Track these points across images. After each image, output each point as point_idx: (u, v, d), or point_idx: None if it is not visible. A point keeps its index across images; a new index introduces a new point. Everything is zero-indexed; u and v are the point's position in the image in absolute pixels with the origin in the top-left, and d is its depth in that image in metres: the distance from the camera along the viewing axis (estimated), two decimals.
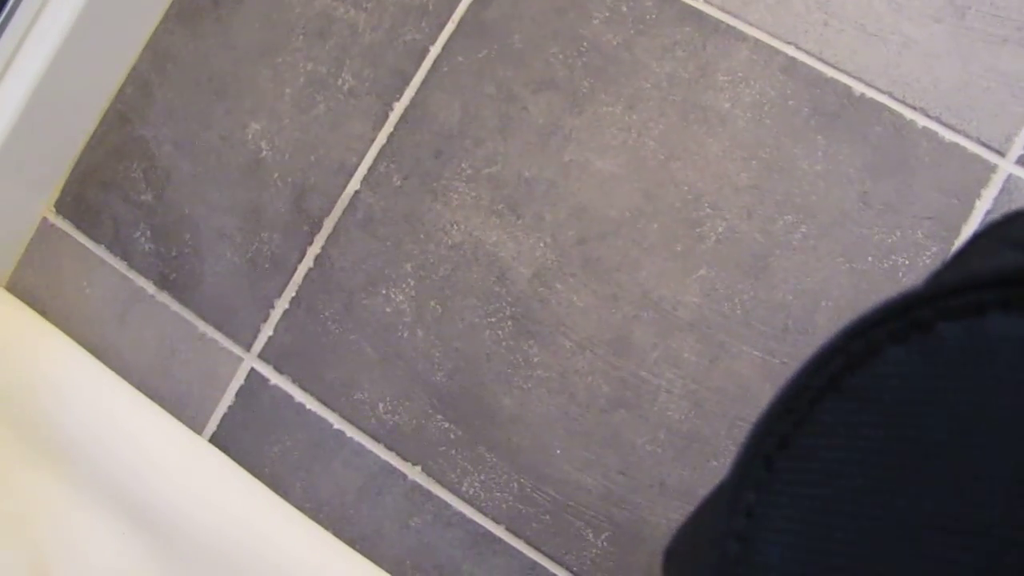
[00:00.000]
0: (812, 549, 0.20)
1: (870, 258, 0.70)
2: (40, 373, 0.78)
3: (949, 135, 0.70)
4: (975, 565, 0.17)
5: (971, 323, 0.19)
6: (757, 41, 0.72)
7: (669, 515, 0.70)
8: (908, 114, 0.70)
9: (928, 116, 0.70)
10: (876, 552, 0.19)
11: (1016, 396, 0.18)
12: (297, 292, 0.77)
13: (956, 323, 0.19)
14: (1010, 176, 0.69)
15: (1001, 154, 0.69)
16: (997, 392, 0.18)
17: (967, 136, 0.70)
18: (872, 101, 0.71)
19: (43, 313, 0.82)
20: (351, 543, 0.74)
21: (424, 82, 0.77)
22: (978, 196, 0.69)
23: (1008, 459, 0.18)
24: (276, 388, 0.77)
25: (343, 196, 0.77)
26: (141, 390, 0.79)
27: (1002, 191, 0.69)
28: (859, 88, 0.71)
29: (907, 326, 0.20)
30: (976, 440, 0.18)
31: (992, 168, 0.69)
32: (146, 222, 0.81)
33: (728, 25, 0.73)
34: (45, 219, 0.84)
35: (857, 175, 0.71)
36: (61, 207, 0.84)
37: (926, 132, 0.70)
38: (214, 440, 0.78)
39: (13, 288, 0.84)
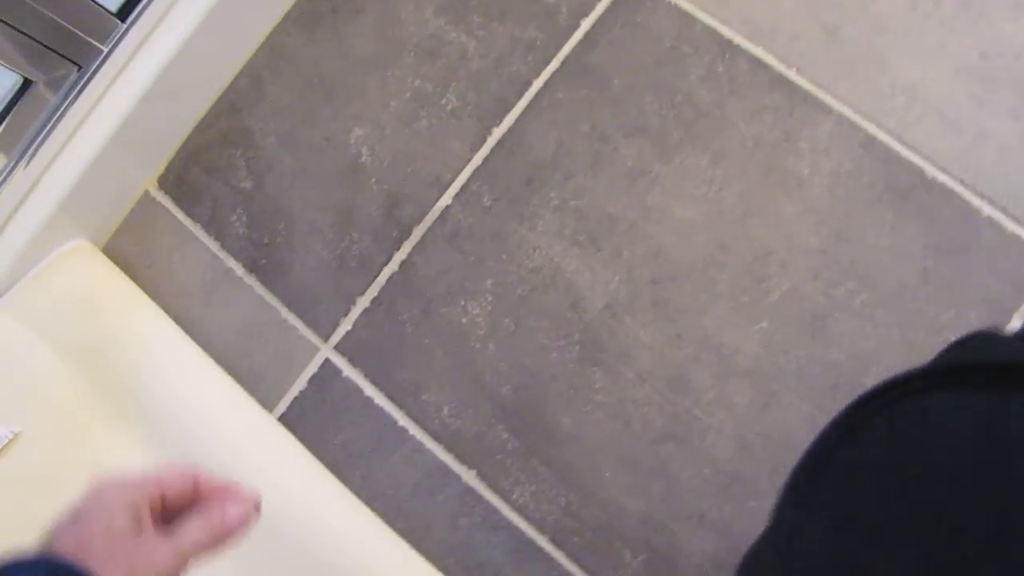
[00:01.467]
0: (835, 547, 0.29)
1: (923, 332, 0.74)
2: (129, 334, 0.83)
3: (1012, 226, 0.74)
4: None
5: (922, 398, 0.30)
6: (841, 115, 0.77)
7: (704, 547, 0.75)
8: (975, 202, 0.75)
9: (994, 206, 0.74)
10: (867, 559, 0.28)
11: (949, 446, 0.28)
12: (379, 292, 0.82)
13: (912, 399, 0.30)
14: None
15: None
16: (936, 445, 0.28)
17: None
18: (943, 185, 0.75)
19: (134, 280, 0.87)
20: (400, 534, 0.79)
21: (524, 112, 0.82)
22: None
23: (944, 495, 0.27)
24: (348, 380, 0.82)
25: (434, 208, 0.82)
26: (219, 364, 0.84)
27: None
28: (932, 171, 0.76)
29: (884, 403, 0.30)
30: (923, 478, 0.28)
31: None
32: (243, 207, 0.86)
33: (816, 97, 0.78)
34: (147, 192, 0.89)
35: (920, 252, 0.75)
36: (164, 183, 0.89)
37: (991, 221, 0.74)
38: (283, 420, 0.83)
39: (109, 252, 0.89)
